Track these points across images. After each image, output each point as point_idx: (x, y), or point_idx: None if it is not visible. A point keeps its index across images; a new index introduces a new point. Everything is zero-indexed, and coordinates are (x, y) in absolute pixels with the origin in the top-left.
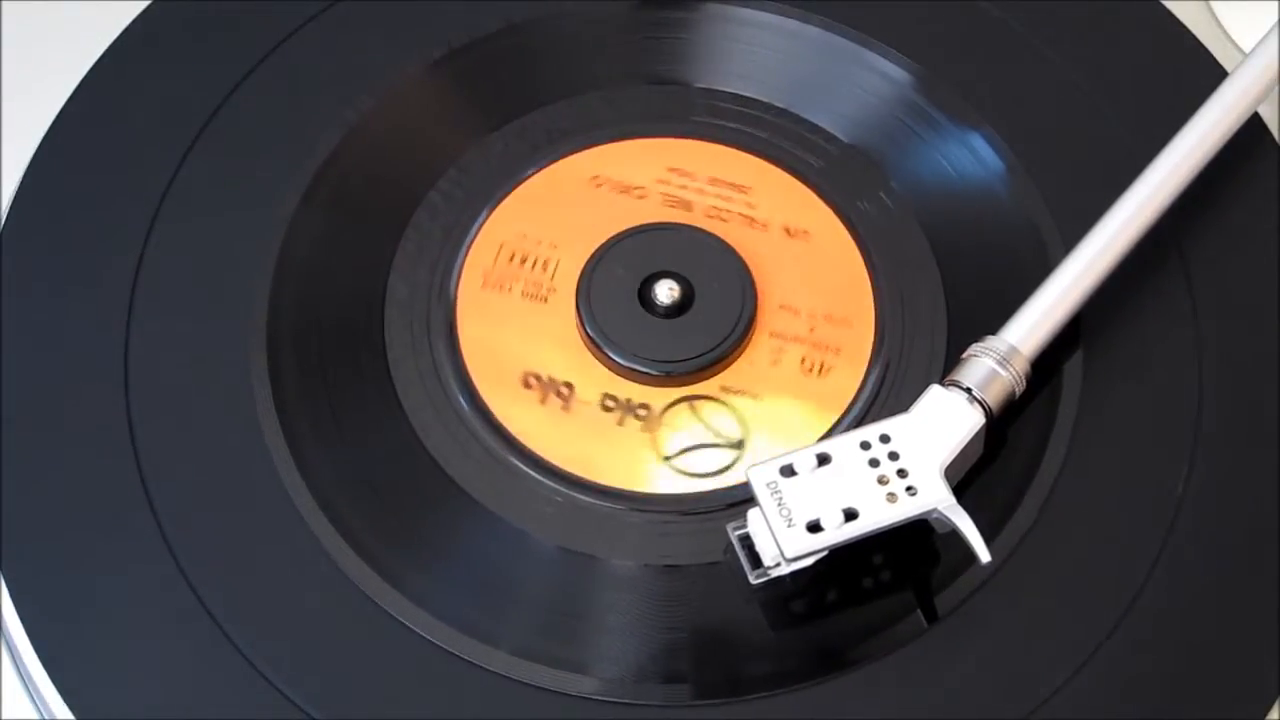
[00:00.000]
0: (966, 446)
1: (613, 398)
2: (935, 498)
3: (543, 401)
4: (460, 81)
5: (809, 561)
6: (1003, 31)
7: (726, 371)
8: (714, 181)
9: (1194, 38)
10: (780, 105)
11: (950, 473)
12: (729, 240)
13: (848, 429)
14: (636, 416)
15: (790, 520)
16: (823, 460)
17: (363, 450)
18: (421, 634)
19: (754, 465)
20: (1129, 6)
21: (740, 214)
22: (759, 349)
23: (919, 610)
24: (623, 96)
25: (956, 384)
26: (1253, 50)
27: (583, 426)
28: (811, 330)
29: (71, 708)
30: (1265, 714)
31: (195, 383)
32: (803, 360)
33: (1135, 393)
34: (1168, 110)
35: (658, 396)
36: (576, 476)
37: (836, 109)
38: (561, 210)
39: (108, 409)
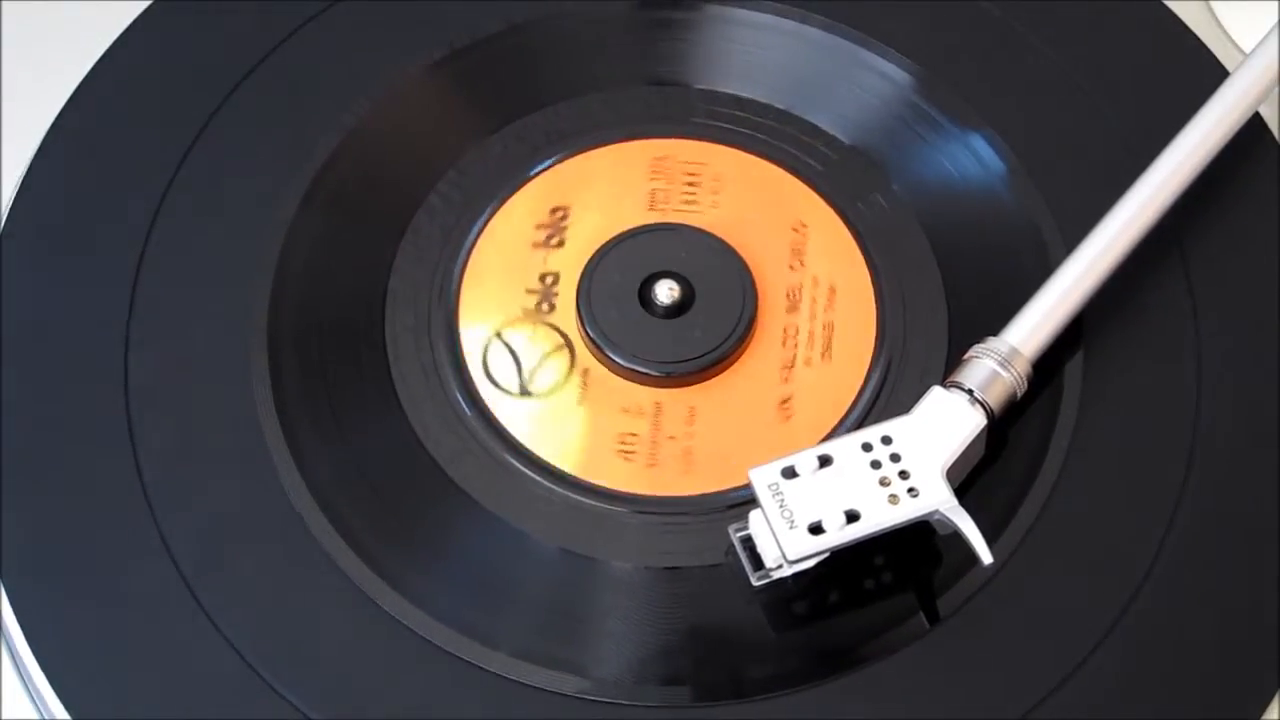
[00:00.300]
0: (968, 448)
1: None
2: (937, 499)
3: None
4: (460, 82)
5: (811, 563)
6: (1003, 31)
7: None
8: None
9: (1194, 38)
10: (781, 107)
11: (952, 474)
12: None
13: (849, 430)
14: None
15: (792, 522)
16: (824, 462)
17: (363, 450)
18: (421, 634)
19: (756, 467)
20: (1129, 6)
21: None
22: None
23: (921, 612)
24: (623, 98)
25: (958, 385)
26: (1253, 50)
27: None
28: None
29: (71, 708)
30: (1263, 714)
31: (195, 383)
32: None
33: (1135, 393)
34: (1168, 110)
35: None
36: (576, 477)
37: (837, 110)
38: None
39: (108, 409)
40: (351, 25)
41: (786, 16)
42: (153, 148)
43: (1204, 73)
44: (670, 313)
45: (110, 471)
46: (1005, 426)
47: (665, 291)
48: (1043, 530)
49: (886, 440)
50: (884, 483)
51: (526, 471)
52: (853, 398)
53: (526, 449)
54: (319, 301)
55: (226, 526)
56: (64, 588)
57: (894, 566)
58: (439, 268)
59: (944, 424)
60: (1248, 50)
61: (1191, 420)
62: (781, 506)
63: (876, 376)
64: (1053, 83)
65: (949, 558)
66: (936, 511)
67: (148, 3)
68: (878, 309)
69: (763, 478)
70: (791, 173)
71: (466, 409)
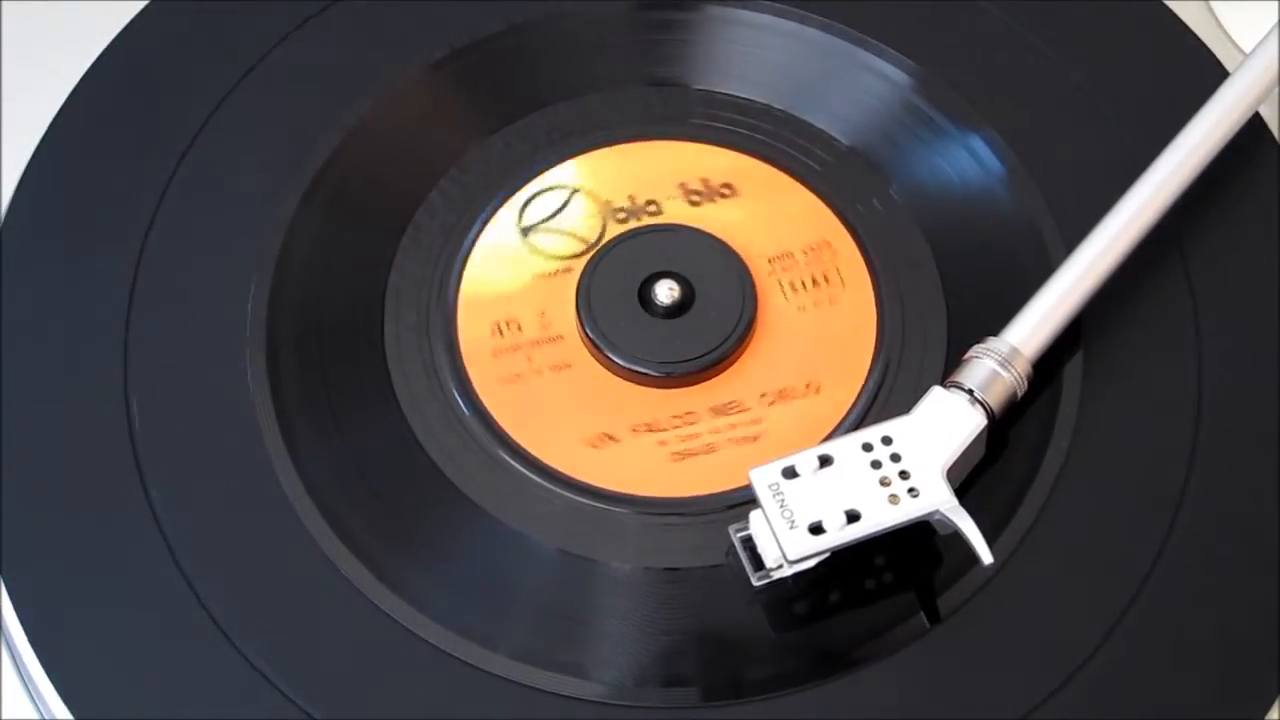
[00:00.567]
0: (968, 448)
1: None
2: (937, 499)
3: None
4: (461, 82)
5: (811, 563)
6: (1003, 32)
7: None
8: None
9: (1194, 38)
10: (780, 107)
11: (952, 474)
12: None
13: (849, 430)
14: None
15: (792, 522)
16: (825, 462)
17: (362, 451)
18: (421, 636)
19: (756, 467)
20: (1129, 6)
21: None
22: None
23: (921, 612)
24: (623, 98)
25: (958, 385)
26: (1253, 50)
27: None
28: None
29: (71, 708)
30: (1265, 714)
31: (195, 383)
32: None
33: (1135, 393)
34: (1168, 110)
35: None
36: (576, 479)
37: (836, 111)
38: None
39: (108, 409)
40: (351, 25)
41: (785, 17)
42: (152, 147)
43: (1204, 73)
44: (670, 313)
45: (110, 471)
46: (1005, 427)
47: (665, 291)
48: (1043, 530)
49: (887, 440)
50: (884, 483)
51: (526, 472)
52: (852, 399)
53: (525, 449)
54: (319, 301)
55: (226, 526)
56: (64, 588)
57: (894, 567)
58: (438, 267)
59: (944, 424)
60: (1248, 50)
61: (1191, 420)
62: (782, 506)
63: (876, 376)
64: (1052, 83)
65: (949, 558)
66: (937, 511)
67: (147, 2)
68: (877, 309)
69: (763, 478)
70: (790, 174)
71: (466, 409)
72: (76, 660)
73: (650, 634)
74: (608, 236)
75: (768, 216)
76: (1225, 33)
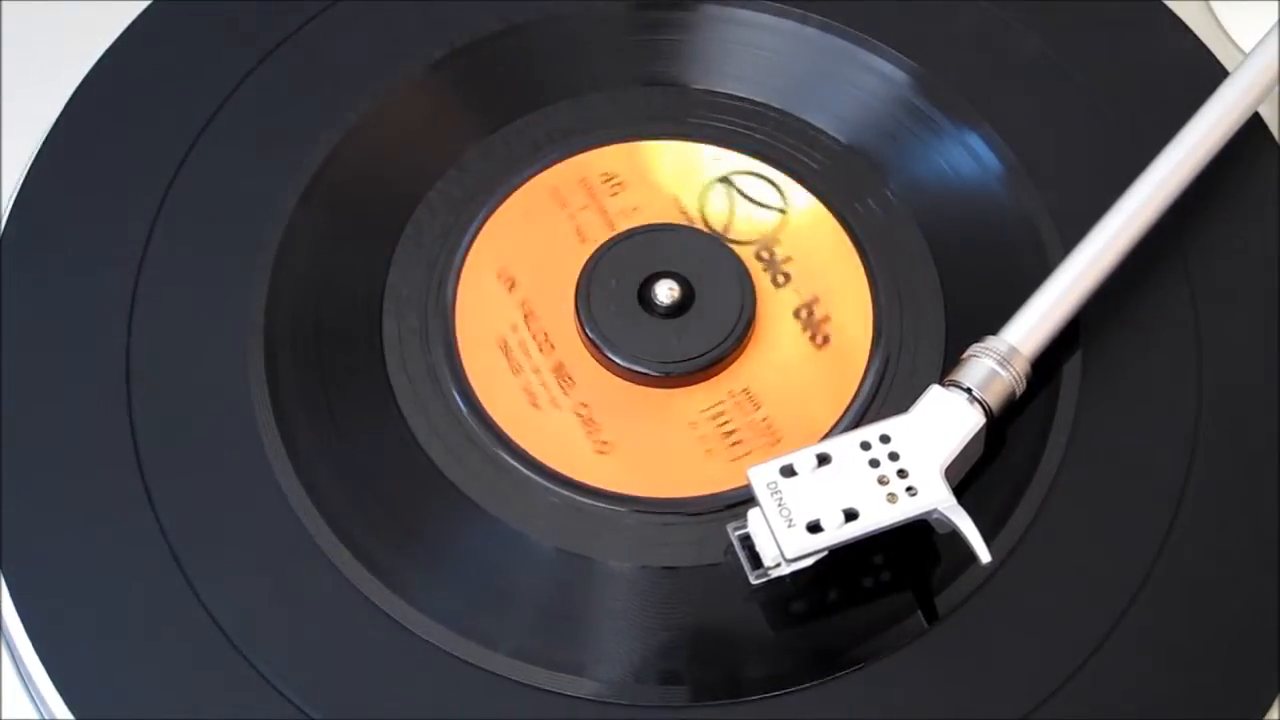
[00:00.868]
0: (966, 446)
1: None
2: (935, 498)
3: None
4: (460, 82)
5: (809, 562)
6: (1001, 30)
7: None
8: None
9: (1194, 37)
10: (778, 106)
11: (950, 473)
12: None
13: (847, 429)
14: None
15: (790, 520)
16: (823, 460)
17: (361, 451)
18: (420, 635)
19: (754, 465)
20: (1129, 6)
21: None
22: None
23: (919, 610)
24: (622, 97)
25: (956, 384)
26: (1253, 50)
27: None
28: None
29: (71, 708)
30: (1265, 714)
31: (195, 383)
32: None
33: (1134, 392)
34: (1168, 110)
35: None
36: (574, 478)
37: (835, 110)
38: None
39: (108, 409)
40: (351, 25)
41: (785, 16)
42: (152, 147)
43: (1204, 73)
44: (670, 313)
45: (110, 471)
46: (1004, 425)
47: (665, 291)
48: (1041, 529)
49: (885, 439)
50: (882, 481)
51: (524, 471)
52: (850, 397)
53: (524, 449)
54: (318, 301)
55: (226, 526)
56: (64, 587)
57: (892, 565)
58: (438, 267)
59: (942, 423)
60: (1248, 50)
61: (1192, 420)
62: (780, 505)
63: (874, 375)
64: (1052, 82)
65: (947, 557)
66: (935, 510)
67: (148, 2)
68: (875, 308)
69: (761, 476)
70: (789, 173)
71: (464, 409)
72: (76, 660)
73: (648, 632)
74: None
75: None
76: (1225, 33)
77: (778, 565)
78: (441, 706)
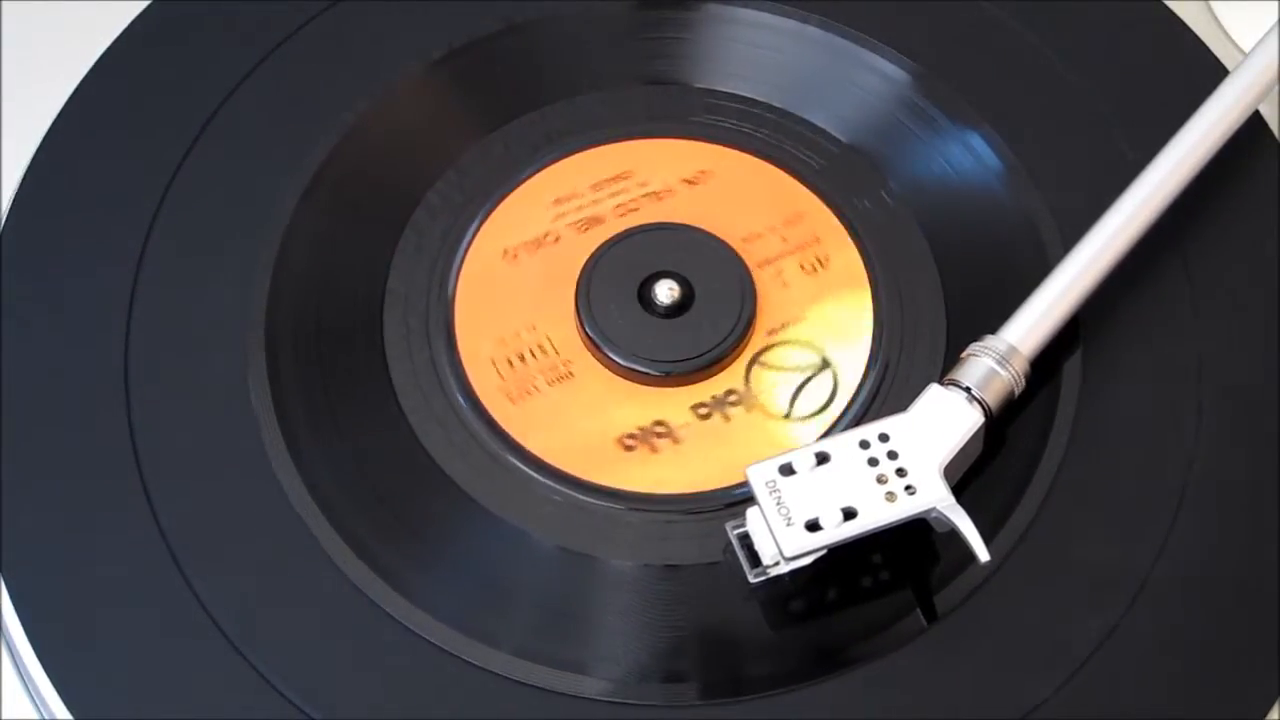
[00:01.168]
0: (965, 446)
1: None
2: (934, 497)
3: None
4: (460, 82)
5: (808, 560)
6: (1002, 31)
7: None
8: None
9: (1194, 37)
10: (779, 105)
11: (949, 472)
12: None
13: (846, 428)
14: (725, 413)
15: (789, 519)
16: (821, 459)
17: (362, 450)
18: (421, 634)
19: (753, 464)
20: (1129, 6)
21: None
22: (763, 283)
23: (918, 609)
24: (622, 97)
25: (955, 383)
26: (1253, 50)
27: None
28: (783, 240)
29: (71, 708)
30: (1265, 714)
31: (195, 383)
32: (801, 267)
33: (1135, 393)
34: (1168, 110)
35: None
36: (575, 476)
37: (835, 109)
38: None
39: (108, 409)
40: (351, 25)
41: (785, 16)
42: (152, 147)
43: (1204, 72)
44: (670, 313)
45: (110, 471)
46: (1003, 425)
47: (665, 291)
48: (1040, 528)
49: (884, 438)
50: (881, 480)
51: (526, 470)
52: (850, 395)
53: (525, 448)
54: (318, 301)
55: (226, 526)
56: (64, 587)
57: (891, 564)
58: (438, 267)
59: (941, 422)
60: (1248, 50)
61: (1192, 420)
62: (779, 504)
63: (874, 374)
64: (1052, 82)
65: (946, 556)
66: (934, 509)
67: (148, 2)
68: (875, 307)
69: (760, 475)
70: (790, 172)
71: (465, 407)
72: (76, 660)
73: (649, 631)
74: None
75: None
76: (1225, 32)
77: (776, 564)
78: (443, 706)
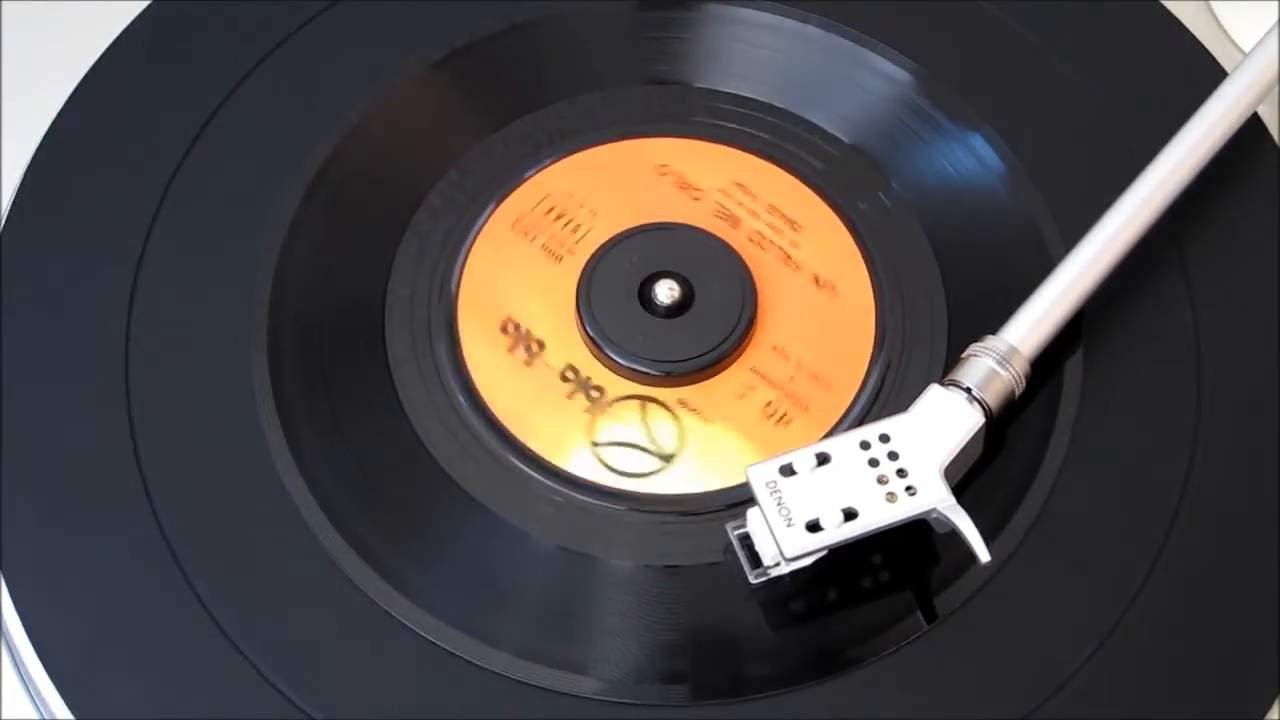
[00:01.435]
0: (966, 446)
1: (574, 370)
2: (935, 497)
3: (510, 350)
4: (461, 82)
5: (808, 561)
6: (1003, 31)
7: (693, 387)
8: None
9: (1194, 38)
10: (780, 106)
11: (950, 472)
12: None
13: (847, 429)
14: (588, 396)
15: (790, 520)
16: (822, 460)
17: (363, 450)
18: (422, 634)
19: (753, 464)
20: (1129, 6)
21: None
22: (733, 379)
23: (919, 610)
24: (623, 97)
25: (956, 384)
26: (1253, 50)
27: (534, 386)
28: (790, 380)
29: (71, 708)
30: (1265, 714)
31: (195, 383)
32: (768, 405)
33: (1135, 392)
34: (1168, 110)
35: (616, 386)
36: (576, 476)
37: (837, 109)
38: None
39: (108, 409)
40: (351, 25)
41: (786, 16)
42: (152, 147)
43: (1204, 73)
44: (670, 312)
45: (110, 471)
46: (1004, 425)
47: (665, 291)
48: (1041, 529)
49: (884, 438)
50: (882, 481)
51: (527, 470)
52: (852, 396)
53: (526, 447)
54: (319, 301)
55: (227, 526)
56: (64, 587)
57: (892, 565)
58: (439, 267)
59: (942, 422)
60: (1247, 50)
61: (1192, 420)
62: (779, 504)
63: (875, 375)
64: (1052, 82)
65: (947, 557)
66: (934, 510)
67: (148, 2)
68: (877, 308)
69: (760, 475)
70: (791, 172)
71: (467, 408)
72: (76, 660)
73: (649, 632)
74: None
75: None
76: (1225, 33)
77: (777, 564)
78: (443, 706)
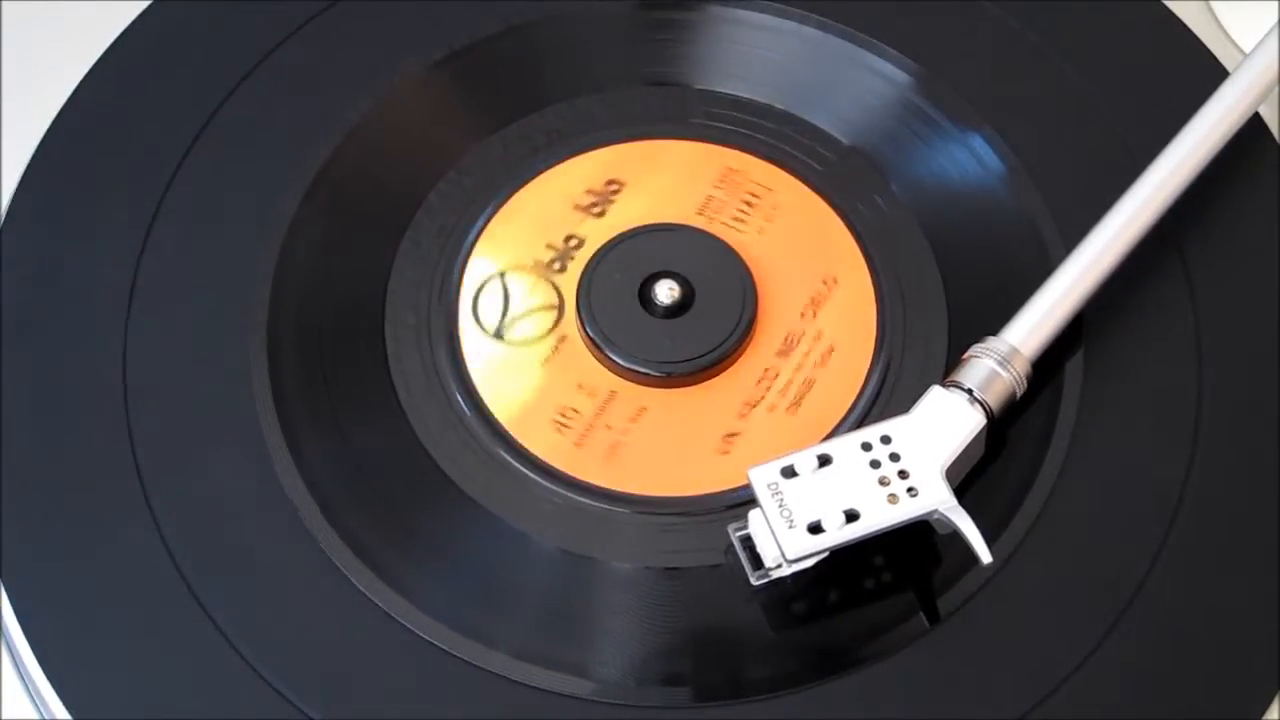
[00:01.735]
0: (967, 447)
1: None
2: (936, 498)
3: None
4: (460, 83)
5: (810, 562)
6: (1002, 31)
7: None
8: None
9: (1194, 38)
10: (780, 107)
11: (951, 473)
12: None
13: (848, 430)
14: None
15: (791, 521)
16: (824, 461)
17: (363, 450)
18: (421, 635)
19: (755, 466)
20: (1129, 6)
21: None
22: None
23: (920, 611)
24: (623, 98)
25: (957, 385)
26: (1253, 50)
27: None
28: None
29: (71, 708)
30: (1265, 714)
31: (195, 383)
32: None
33: (1135, 393)
34: (1168, 110)
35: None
36: (576, 478)
37: (837, 111)
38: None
39: (107, 408)
40: (351, 25)
41: (786, 17)
42: (152, 147)
43: (1204, 73)
44: (670, 313)
45: (110, 471)
46: (1005, 426)
47: (665, 291)
48: (1042, 530)
49: (886, 440)
50: (883, 482)
51: (526, 471)
52: (853, 397)
53: (526, 448)
54: (319, 301)
55: (226, 526)
56: (64, 587)
57: (893, 566)
58: (439, 267)
59: (943, 423)
60: (1248, 50)
61: (1191, 420)
62: (781, 506)
63: (876, 376)
64: (1052, 83)
65: (948, 558)
66: (936, 511)
67: (148, 2)
68: (878, 309)
69: (762, 477)
70: (791, 173)
71: (466, 409)
72: (76, 660)
73: (650, 633)
74: (563, 285)
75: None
76: (1225, 33)
77: (779, 566)
78: (442, 706)
